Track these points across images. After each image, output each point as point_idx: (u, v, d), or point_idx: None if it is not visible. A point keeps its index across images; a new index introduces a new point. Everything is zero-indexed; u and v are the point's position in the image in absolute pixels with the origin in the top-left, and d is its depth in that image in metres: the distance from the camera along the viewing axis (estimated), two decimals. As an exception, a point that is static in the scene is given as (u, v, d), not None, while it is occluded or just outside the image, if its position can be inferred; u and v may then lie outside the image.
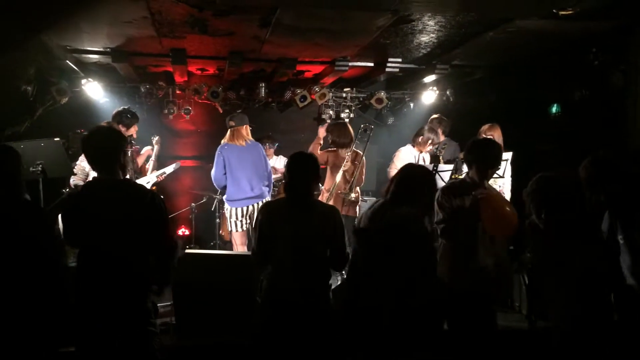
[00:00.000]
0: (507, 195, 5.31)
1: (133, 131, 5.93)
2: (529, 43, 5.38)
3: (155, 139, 6.52)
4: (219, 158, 5.56)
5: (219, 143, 5.83)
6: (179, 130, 8.44)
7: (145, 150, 6.44)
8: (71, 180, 5.50)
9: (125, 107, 6.06)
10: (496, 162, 3.68)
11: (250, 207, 5.61)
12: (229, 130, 5.66)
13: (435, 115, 6.50)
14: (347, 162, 5.81)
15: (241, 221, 5.60)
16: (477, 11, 4.46)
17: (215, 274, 4.44)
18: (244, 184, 5.59)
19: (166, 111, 7.67)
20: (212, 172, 5.64)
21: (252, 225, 5.54)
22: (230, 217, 5.62)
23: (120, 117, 5.83)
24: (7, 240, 2.80)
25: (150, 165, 6.30)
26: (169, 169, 6.31)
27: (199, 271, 4.47)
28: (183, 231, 7.89)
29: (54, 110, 6.79)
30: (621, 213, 3.04)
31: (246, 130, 5.71)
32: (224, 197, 5.72)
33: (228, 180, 5.58)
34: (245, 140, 5.67)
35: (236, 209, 5.59)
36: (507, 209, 3.57)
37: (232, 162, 5.55)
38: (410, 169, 3.50)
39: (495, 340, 3.78)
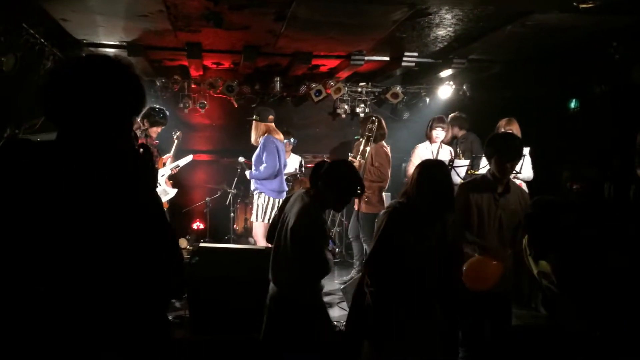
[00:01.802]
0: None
1: (154, 130, 5.96)
2: (548, 37, 5.29)
3: (177, 134, 6.59)
4: (273, 148, 5.58)
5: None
6: (194, 124, 8.46)
7: (167, 156, 6.43)
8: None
9: (159, 107, 6.10)
10: (516, 156, 3.59)
11: (282, 199, 5.71)
12: (263, 123, 5.66)
13: (451, 114, 6.54)
14: (352, 158, 5.84)
15: (275, 213, 5.66)
16: (496, 4, 4.40)
17: (230, 268, 4.45)
18: (284, 178, 5.81)
19: (181, 105, 7.72)
20: (268, 160, 5.61)
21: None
22: (272, 209, 5.67)
23: (148, 112, 5.89)
24: None
25: (168, 159, 6.33)
26: (182, 162, 6.34)
27: (213, 265, 4.48)
28: (198, 225, 7.93)
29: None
30: None
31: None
32: (267, 188, 5.72)
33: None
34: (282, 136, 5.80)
35: (278, 201, 5.66)
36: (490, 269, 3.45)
37: (282, 155, 5.66)
38: (436, 182, 3.14)
39: (510, 337, 3.75)
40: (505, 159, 3.53)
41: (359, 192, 3.26)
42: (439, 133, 6.04)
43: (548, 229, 3.02)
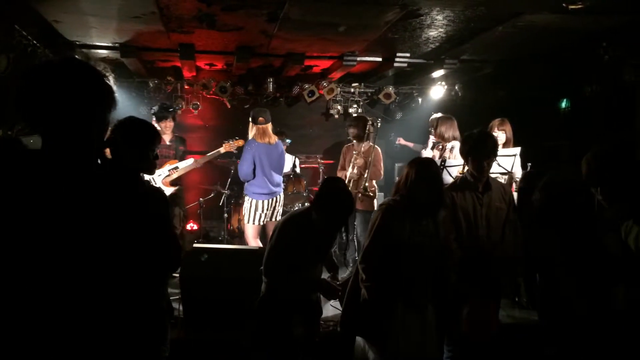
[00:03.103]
0: (515, 194, 5.28)
1: (162, 125, 5.97)
2: (538, 38, 5.34)
3: (231, 142, 6.12)
4: (248, 154, 5.58)
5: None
6: (188, 125, 8.47)
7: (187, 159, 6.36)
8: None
9: (161, 103, 6.10)
10: (492, 153, 3.58)
11: (273, 200, 5.74)
12: (255, 126, 5.64)
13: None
14: (357, 156, 5.87)
15: (266, 214, 5.70)
16: (486, 5, 4.44)
17: (223, 269, 4.46)
18: (274, 179, 5.76)
19: (174, 106, 7.70)
20: (241, 166, 5.62)
21: (271, 219, 5.73)
22: (257, 210, 5.67)
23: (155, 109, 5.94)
24: None
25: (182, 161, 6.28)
26: (182, 165, 6.25)
27: (206, 265, 4.49)
28: (191, 226, 7.93)
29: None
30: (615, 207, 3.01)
31: (271, 127, 5.75)
32: (250, 190, 5.74)
33: (258, 176, 5.64)
34: (273, 138, 5.74)
35: (263, 202, 5.67)
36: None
37: (263, 159, 5.62)
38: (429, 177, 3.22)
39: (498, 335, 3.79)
40: (482, 157, 3.54)
41: (344, 218, 3.32)
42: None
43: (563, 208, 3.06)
